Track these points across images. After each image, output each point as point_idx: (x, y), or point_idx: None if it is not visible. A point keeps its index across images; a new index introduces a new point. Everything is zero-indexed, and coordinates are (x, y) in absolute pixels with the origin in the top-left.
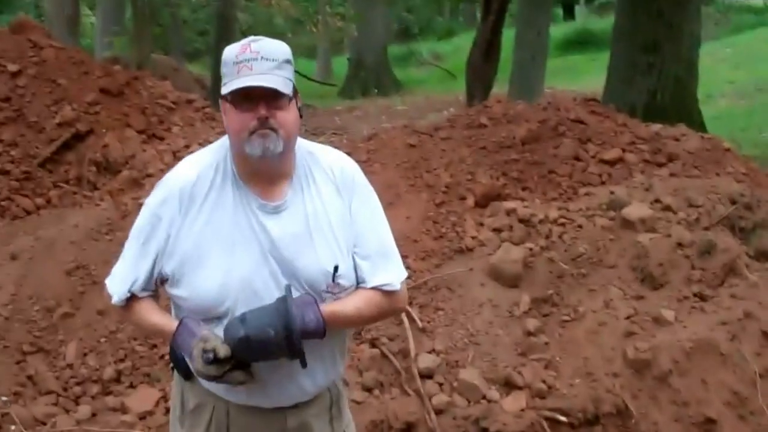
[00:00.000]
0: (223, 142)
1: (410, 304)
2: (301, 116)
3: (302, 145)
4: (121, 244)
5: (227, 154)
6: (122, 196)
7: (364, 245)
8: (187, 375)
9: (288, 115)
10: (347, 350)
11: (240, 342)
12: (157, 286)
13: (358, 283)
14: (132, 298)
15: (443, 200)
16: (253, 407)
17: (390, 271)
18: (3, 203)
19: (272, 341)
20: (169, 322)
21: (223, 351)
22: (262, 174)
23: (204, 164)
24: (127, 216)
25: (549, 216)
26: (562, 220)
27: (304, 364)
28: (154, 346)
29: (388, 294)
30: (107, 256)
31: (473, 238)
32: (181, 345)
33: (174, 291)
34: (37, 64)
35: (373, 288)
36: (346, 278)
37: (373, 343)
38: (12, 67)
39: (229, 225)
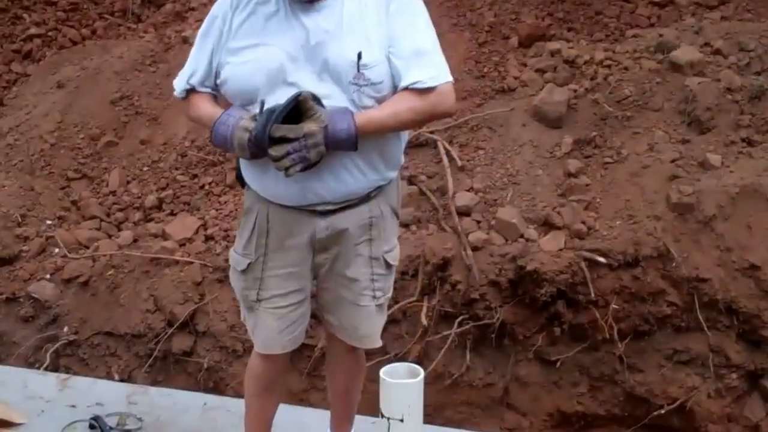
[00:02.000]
0: None
1: (450, 142)
2: None
3: None
4: (164, 76)
5: None
6: (165, 29)
7: (399, 45)
8: (242, 183)
9: None
10: (391, 167)
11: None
12: (216, 84)
13: (396, 87)
14: (192, 92)
15: (486, 39)
16: (288, 207)
17: (423, 69)
18: (50, 33)
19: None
20: (218, 110)
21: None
22: None
23: None
24: (170, 48)
25: (595, 57)
26: (608, 62)
27: (285, 171)
28: (195, 176)
29: (422, 93)
30: (151, 87)
31: (516, 78)
32: (223, 127)
33: (220, 78)
34: None
35: (406, 88)
36: (372, 71)
37: (411, 180)
38: None
39: (269, 21)
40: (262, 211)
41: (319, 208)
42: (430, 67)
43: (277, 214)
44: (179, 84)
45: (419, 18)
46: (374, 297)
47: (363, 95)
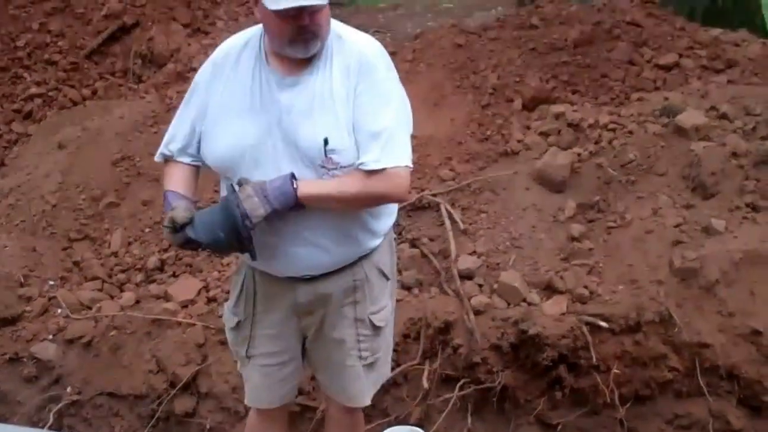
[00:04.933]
0: (260, 25)
1: (452, 205)
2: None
3: (334, 28)
4: None
5: (261, 34)
6: (167, 89)
7: (359, 126)
8: None
9: (324, 17)
10: (376, 236)
11: (193, 243)
12: (198, 151)
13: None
14: (170, 161)
15: (489, 102)
16: (269, 275)
17: (372, 152)
18: (50, 93)
19: (222, 242)
20: (168, 190)
21: (180, 219)
22: (292, 59)
23: (237, 41)
24: (172, 109)
25: (599, 121)
26: (613, 126)
27: (253, 257)
28: None
29: (370, 174)
30: (152, 148)
31: (519, 141)
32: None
33: (201, 148)
34: None
35: (357, 167)
36: (341, 155)
37: (414, 243)
38: None
39: (245, 94)
40: (249, 273)
41: (300, 276)
42: (381, 149)
43: (261, 279)
44: (160, 149)
45: (385, 98)
46: (360, 357)
47: (328, 175)
